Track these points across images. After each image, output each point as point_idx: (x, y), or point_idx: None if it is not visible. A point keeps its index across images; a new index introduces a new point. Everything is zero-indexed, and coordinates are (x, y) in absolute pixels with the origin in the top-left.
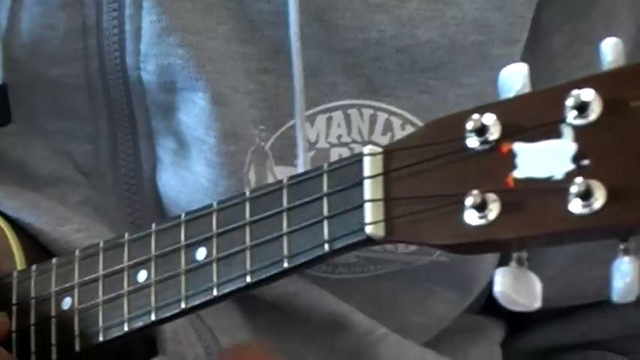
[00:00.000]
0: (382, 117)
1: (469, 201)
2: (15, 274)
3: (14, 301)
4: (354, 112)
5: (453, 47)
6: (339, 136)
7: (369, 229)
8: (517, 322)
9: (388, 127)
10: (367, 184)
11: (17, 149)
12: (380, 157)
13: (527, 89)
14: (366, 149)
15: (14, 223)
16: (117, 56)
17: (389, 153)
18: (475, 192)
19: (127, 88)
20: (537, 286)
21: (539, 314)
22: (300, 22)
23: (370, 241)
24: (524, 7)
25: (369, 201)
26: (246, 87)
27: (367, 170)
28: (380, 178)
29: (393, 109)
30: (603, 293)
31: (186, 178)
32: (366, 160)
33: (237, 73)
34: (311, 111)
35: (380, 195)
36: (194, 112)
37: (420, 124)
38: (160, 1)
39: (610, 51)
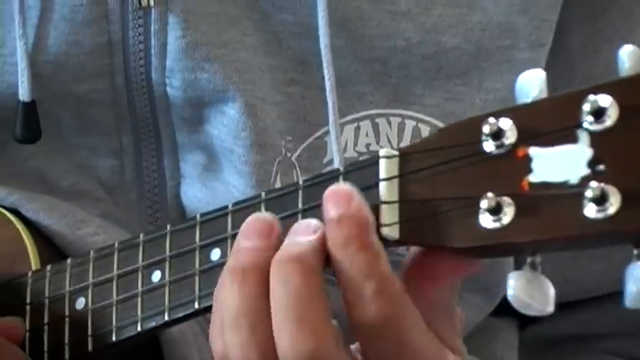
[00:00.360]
0: (410, 125)
1: (484, 204)
2: (29, 274)
3: (28, 300)
4: (382, 121)
5: (478, 52)
6: (368, 145)
7: (383, 231)
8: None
9: (417, 135)
10: (382, 186)
11: (38, 159)
12: (396, 160)
13: (544, 95)
14: (382, 152)
15: (32, 226)
16: (142, 72)
17: (405, 155)
18: (490, 195)
19: (152, 104)
20: (551, 290)
21: None
22: (329, 35)
23: (385, 242)
24: (549, 10)
25: (384, 203)
26: (274, 98)
27: (383, 172)
28: (395, 181)
29: (421, 116)
30: (601, 288)
31: (217, 189)
32: (382, 162)
33: (264, 84)
34: (339, 121)
35: (395, 197)
36: (223, 123)
37: None
38: (185, 16)
39: (627, 58)
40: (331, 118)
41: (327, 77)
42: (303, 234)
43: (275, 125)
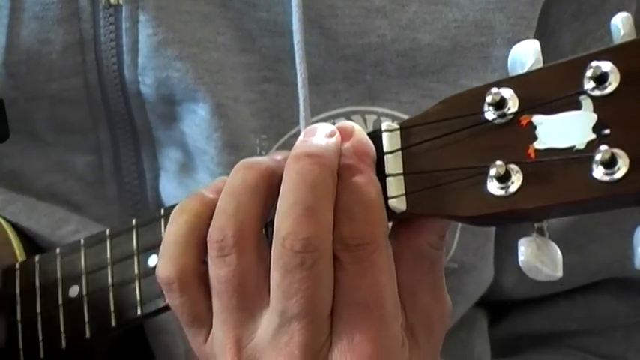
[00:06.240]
0: (386, 122)
1: (493, 172)
2: (17, 265)
3: (18, 290)
4: (358, 119)
5: (454, 49)
6: None
7: (391, 203)
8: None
9: None
10: (387, 160)
11: (14, 159)
12: (397, 133)
13: (540, 64)
14: (384, 126)
15: (13, 226)
16: (115, 69)
17: (407, 129)
18: (499, 163)
19: (127, 101)
20: (559, 255)
21: (510, 304)
22: (302, 31)
23: (392, 214)
24: (527, 7)
25: (389, 176)
26: (247, 96)
27: (386, 146)
28: (399, 154)
29: (397, 113)
30: (575, 280)
31: (192, 188)
32: (385, 136)
33: (237, 83)
34: (314, 119)
35: (400, 170)
36: (195, 123)
37: None
38: (157, 14)
39: (622, 25)
40: (302, 115)
41: (299, 74)
42: (321, 136)
43: (248, 124)
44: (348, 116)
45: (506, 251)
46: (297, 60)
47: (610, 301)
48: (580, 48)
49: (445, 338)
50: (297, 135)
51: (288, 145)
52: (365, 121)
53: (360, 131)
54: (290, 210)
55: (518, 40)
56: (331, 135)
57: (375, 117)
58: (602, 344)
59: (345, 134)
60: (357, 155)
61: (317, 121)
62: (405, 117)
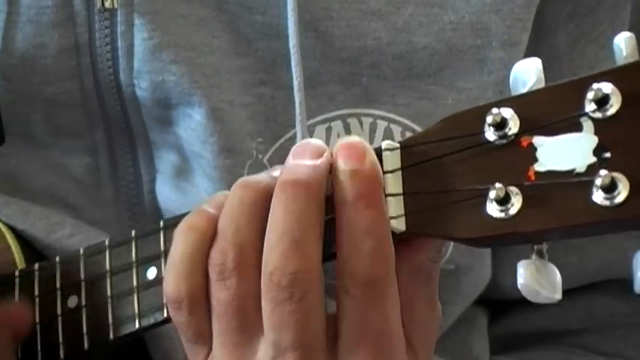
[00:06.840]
0: (382, 125)
1: (492, 194)
2: (17, 272)
3: (17, 299)
4: (354, 121)
5: (450, 52)
6: None
7: (391, 224)
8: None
9: (388, 135)
10: (386, 179)
11: (10, 160)
12: (397, 152)
13: (542, 84)
14: (384, 144)
15: (11, 229)
16: (110, 73)
17: (407, 148)
18: (499, 185)
19: (123, 104)
20: (558, 277)
21: (510, 302)
22: (298, 34)
23: (392, 235)
24: (523, 9)
25: (389, 195)
26: (243, 100)
27: (387, 165)
28: (399, 173)
29: (393, 116)
30: (576, 281)
31: (188, 191)
32: (385, 155)
33: (233, 87)
34: (310, 122)
35: (399, 190)
36: (191, 127)
37: (420, 130)
38: (152, 17)
39: (625, 45)
40: (298, 117)
41: (295, 77)
42: (309, 157)
43: (245, 127)
44: (344, 119)
45: (504, 251)
46: (293, 63)
47: (610, 301)
48: (575, 49)
49: (445, 337)
50: (293, 138)
51: (285, 148)
52: (361, 123)
53: (372, 152)
54: (277, 242)
55: (514, 42)
56: (319, 154)
57: (371, 119)
58: (601, 342)
59: (354, 154)
60: (371, 183)
61: (313, 124)
62: (402, 119)
